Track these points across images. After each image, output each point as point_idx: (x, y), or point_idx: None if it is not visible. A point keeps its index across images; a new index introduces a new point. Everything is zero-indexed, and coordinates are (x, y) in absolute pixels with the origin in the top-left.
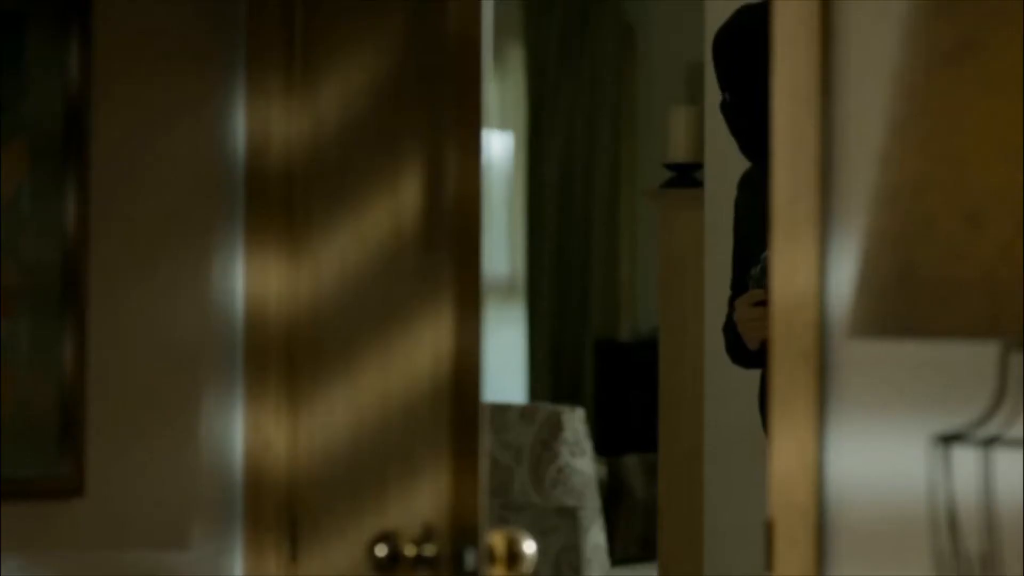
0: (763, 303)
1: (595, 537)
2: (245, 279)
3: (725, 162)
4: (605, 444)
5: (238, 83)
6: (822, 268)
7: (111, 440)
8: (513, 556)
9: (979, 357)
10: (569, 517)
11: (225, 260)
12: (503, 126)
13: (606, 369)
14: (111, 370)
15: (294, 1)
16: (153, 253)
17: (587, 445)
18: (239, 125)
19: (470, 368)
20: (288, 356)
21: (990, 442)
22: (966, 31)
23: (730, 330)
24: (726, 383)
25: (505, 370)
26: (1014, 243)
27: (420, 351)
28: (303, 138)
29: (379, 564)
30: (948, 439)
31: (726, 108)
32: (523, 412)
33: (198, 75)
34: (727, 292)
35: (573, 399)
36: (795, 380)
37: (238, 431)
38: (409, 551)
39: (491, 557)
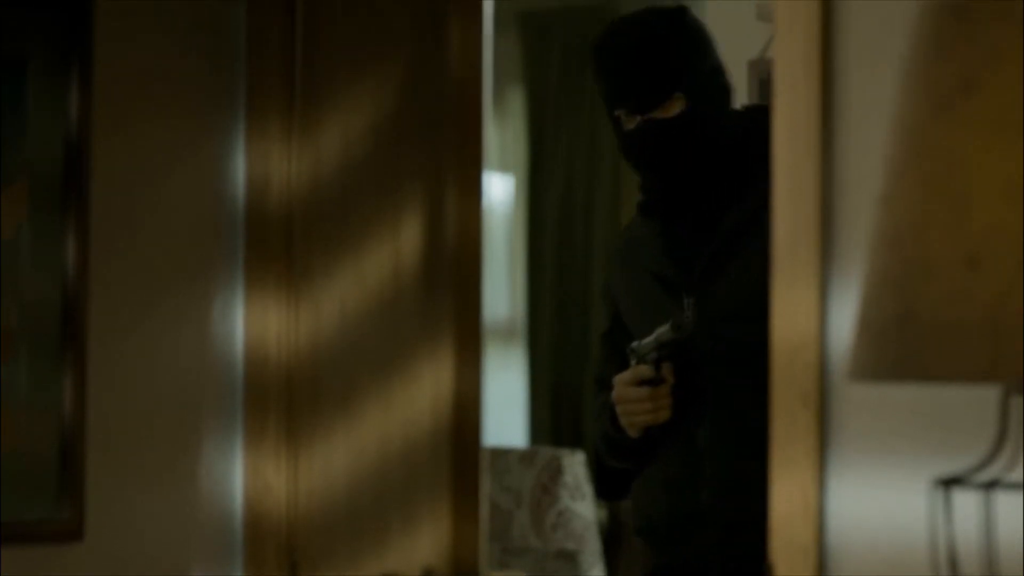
0: (650, 382)
1: None
2: (245, 321)
3: None
4: None
5: (238, 126)
6: (822, 310)
7: (111, 483)
8: None
9: (980, 400)
10: (569, 561)
11: (225, 302)
12: (503, 168)
13: None
14: (111, 413)
15: (294, 44)
16: (153, 295)
17: (587, 489)
18: (239, 167)
19: (470, 411)
20: (288, 398)
21: (991, 485)
22: (965, 72)
23: (602, 414)
24: None
25: (505, 413)
26: (1014, 286)
27: (420, 394)
28: (303, 180)
29: None
30: (949, 482)
31: (633, 135)
32: (523, 455)
33: (198, 118)
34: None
35: (574, 442)
36: (795, 422)
37: (238, 474)
38: None
39: None
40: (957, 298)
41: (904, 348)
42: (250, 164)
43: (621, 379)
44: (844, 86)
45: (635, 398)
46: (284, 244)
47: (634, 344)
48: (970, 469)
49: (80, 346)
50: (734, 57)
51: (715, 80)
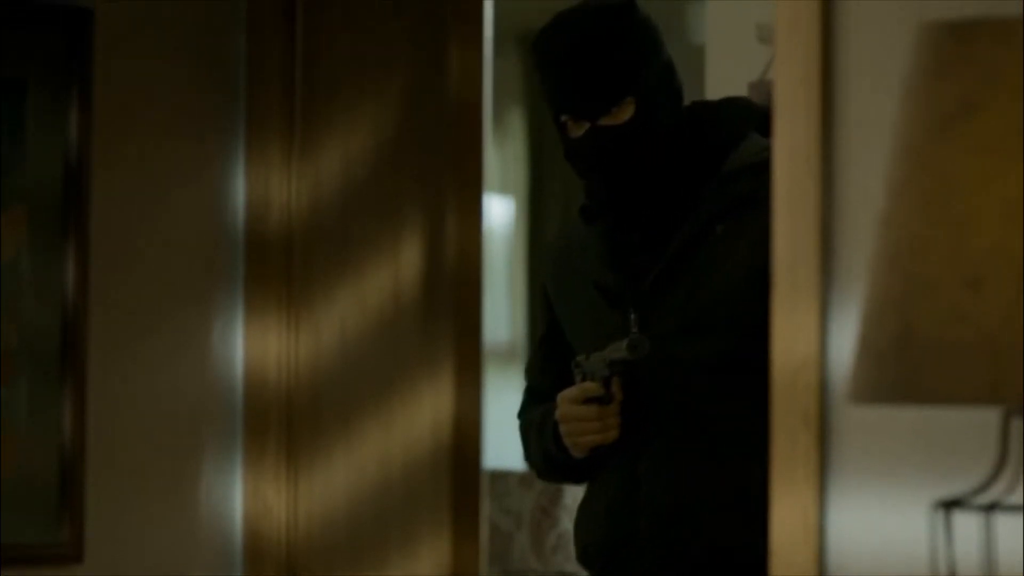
0: (597, 400)
1: None
2: (245, 343)
3: None
4: None
5: (238, 148)
6: (823, 330)
7: (110, 506)
8: None
9: (980, 422)
10: None
11: (225, 324)
12: (503, 190)
13: None
14: (110, 435)
15: (294, 67)
16: (152, 318)
17: None
18: (239, 191)
19: (470, 433)
20: (288, 421)
21: (991, 508)
22: (966, 93)
23: (544, 430)
24: None
25: (505, 435)
26: (1015, 308)
27: (420, 416)
28: (303, 203)
29: None
30: (949, 504)
31: (580, 143)
32: (523, 478)
33: (198, 141)
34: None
35: None
36: (795, 443)
37: (238, 495)
38: None
39: None
40: (957, 320)
41: (904, 370)
42: (250, 187)
43: (567, 396)
44: (844, 108)
45: (582, 417)
46: (284, 266)
47: (579, 359)
48: (971, 491)
49: (80, 369)
50: (734, 79)
51: (667, 81)
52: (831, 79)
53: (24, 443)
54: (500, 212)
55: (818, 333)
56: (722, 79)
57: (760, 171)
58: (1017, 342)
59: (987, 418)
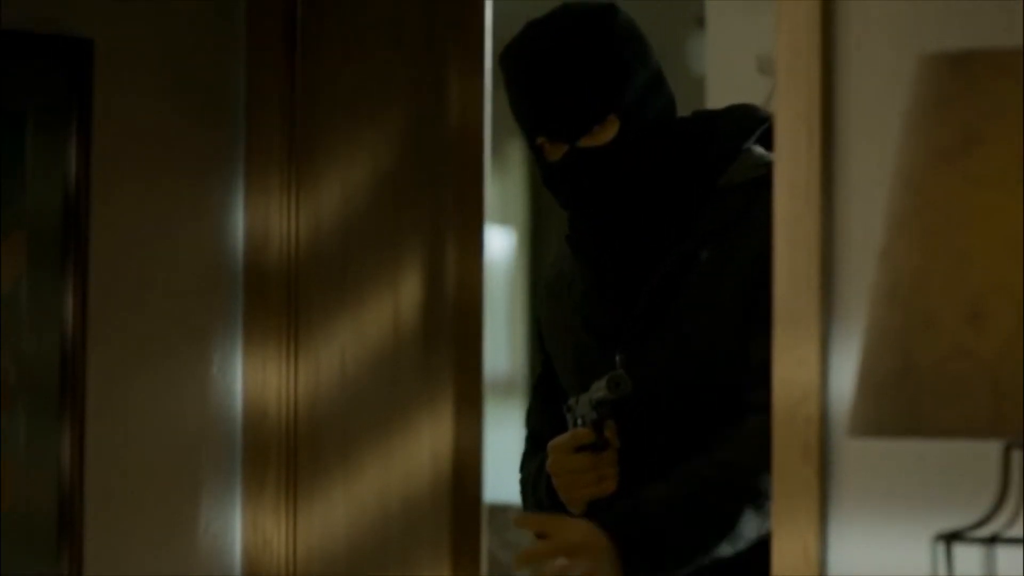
0: (591, 447)
1: None
2: (244, 376)
3: None
4: None
5: (238, 180)
6: (823, 364)
7: (109, 539)
8: None
9: (981, 455)
10: None
11: (224, 357)
12: (504, 221)
13: None
14: (109, 467)
15: (294, 98)
16: (151, 350)
17: None
18: (238, 222)
19: (470, 466)
20: (287, 453)
21: (992, 540)
22: (966, 126)
23: (538, 484)
24: None
25: (505, 469)
26: (1015, 341)
27: (419, 449)
28: (302, 235)
29: None
30: (950, 537)
31: (559, 167)
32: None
33: (197, 172)
34: None
35: None
36: (796, 476)
37: (237, 528)
38: None
39: None
40: (957, 353)
41: (904, 403)
42: (249, 218)
43: (557, 445)
44: (845, 140)
45: (575, 468)
46: (284, 299)
47: (571, 401)
48: (972, 524)
49: (79, 400)
50: None
51: (654, 94)
52: (832, 111)
53: (23, 475)
54: (500, 243)
55: (818, 366)
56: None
57: (752, 189)
58: (1017, 375)
59: (988, 451)
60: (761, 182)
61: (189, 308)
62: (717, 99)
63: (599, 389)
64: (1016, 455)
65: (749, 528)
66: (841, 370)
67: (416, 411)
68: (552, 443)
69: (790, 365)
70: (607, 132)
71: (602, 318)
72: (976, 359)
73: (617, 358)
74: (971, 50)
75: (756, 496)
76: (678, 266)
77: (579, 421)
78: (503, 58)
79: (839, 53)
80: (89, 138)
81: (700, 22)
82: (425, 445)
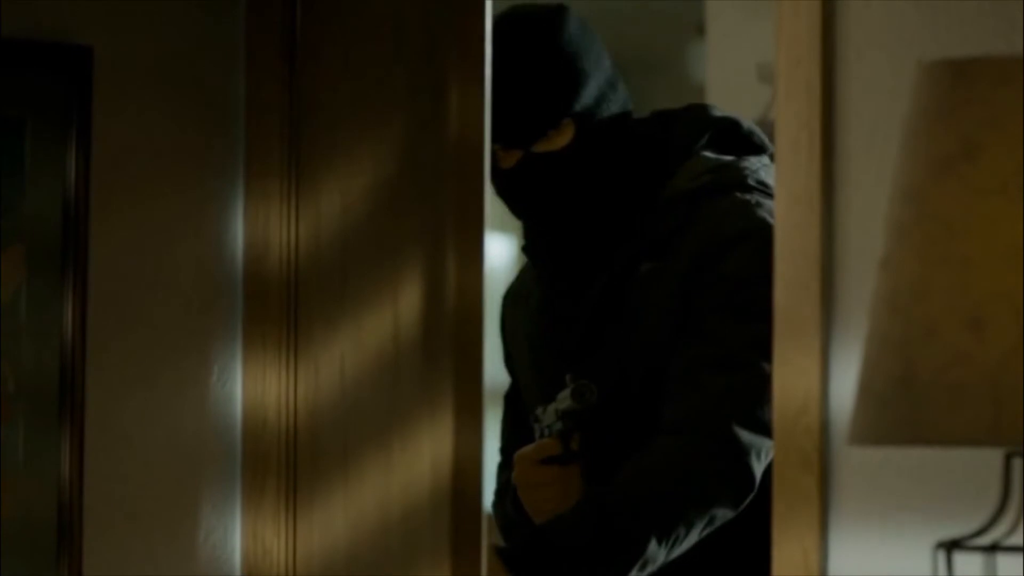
0: (557, 459)
1: None
2: (244, 385)
3: None
4: None
5: (238, 189)
6: (824, 373)
7: (109, 548)
8: None
9: (982, 463)
10: None
11: (224, 365)
12: (503, 229)
13: None
14: (109, 477)
15: (293, 109)
16: (151, 359)
17: None
18: (238, 231)
19: (470, 476)
20: (287, 462)
21: (993, 549)
22: (966, 135)
23: (504, 496)
24: None
25: None
26: (1016, 349)
27: (420, 458)
28: (303, 244)
29: None
30: (951, 545)
31: (513, 174)
32: None
33: (197, 181)
34: None
35: None
36: (797, 486)
37: (237, 538)
38: None
39: None
40: (958, 361)
41: (905, 411)
42: (249, 227)
43: (523, 456)
44: (845, 148)
45: (541, 481)
46: (284, 307)
47: (538, 411)
48: (972, 532)
49: (78, 411)
50: None
51: (609, 97)
52: (832, 119)
53: (22, 485)
54: (500, 251)
55: (819, 375)
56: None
57: (694, 199)
58: (1018, 383)
59: (988, 459)
60: (704, 191)
61: (189, 317)
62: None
63: (564, 399)
64: (1017, 463)
65: (657, 555)
66: (841, 379)
67: (416, 420)
68: (518, 454)
69: (791, 374)
70: (562, 137)
71: (554, 329)
72: (977, 367)
73: (567, 376)
74: (972, 58)
75: (662, 524)
76: (619, 278)
77: (545, 432)
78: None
79: (839, 61)
80: (89, 146)
81: (700, 30)
82: (425, 454)
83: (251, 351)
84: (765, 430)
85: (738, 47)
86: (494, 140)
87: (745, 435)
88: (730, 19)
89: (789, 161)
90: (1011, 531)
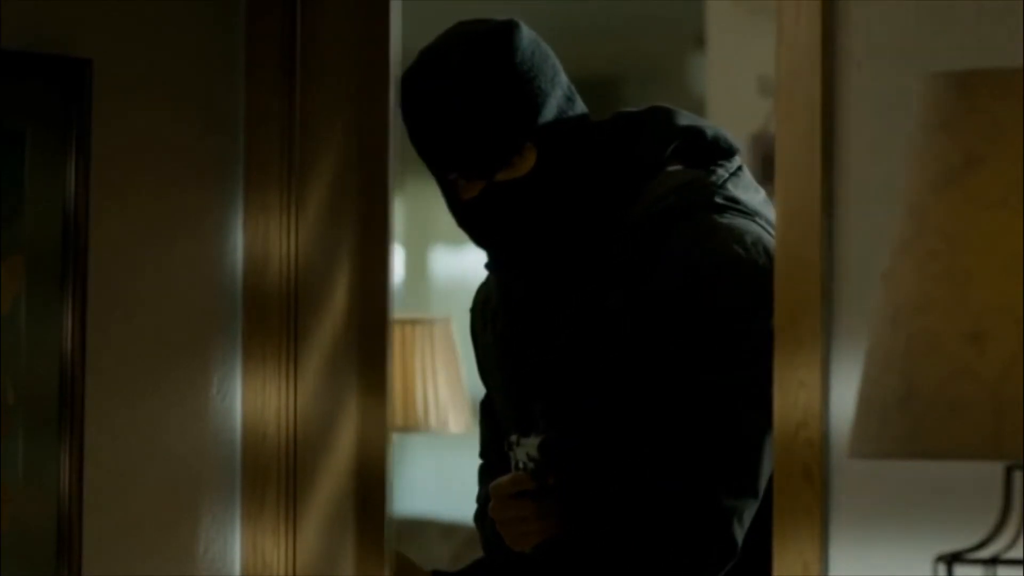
0: (531, 494)
1: None
2: (244, 397)
3: None
4: None
5: (237, 199)
6: (825, 385)
7: (108, 561)
8: None
9: (982, 477)
10: None
11: (224, 377)
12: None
13: None
14: (109, 490)
15: (293, 117)
16: (151, 370)
17: None
18: (238, 241)
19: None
20: (287, 475)
21: (993, 562)
22: (967, 147)
23: (485, 521)
24: None
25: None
26: (1016, 363)
27: None
28: (302, 255)
29: None
30: (951, 559)
31: (476, 205)
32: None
33: (197, 191)
34: None
35: None
36: (797, 499)
37: (236, 550)
38: None
39: None
40: (959, 375)
41: (906, 425)
42: (249, 238)
43: (498, 489)
44: (846, 160)
45: (517, 516)
46: (283, 319)
47: (512, 438)
48: (973, 546)
49: (78, 422)
50: (735, 130)
51: (568, 113)
52: (833, 132)
53: (21, 498)
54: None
55: (820, 388)
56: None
57: (661, 222)
58: (1019, 397)
59: (989, 472)
60: (671, 213)
61: (189, 328)
62: (717, 119)
63: (532, 446)
64: (1017, 476)
65: None
66: (842, 391)
67: None
68: (492, 486)
69: (791, 387)
70: (525, 163)
71: (522, 358)
72: (978, 380)
73: (535, 406)
74: (972, 70)
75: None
76: (587, 308)
77: (519, 466)
78: (404, 93)
79: (840, 73)
80: (88, 158)
81: (700, 41)
82: None
83: (251, 363)
84: (750, 490)
85: (738, 59)
86: (454, 169)
87: (729, 501)
88: (730, 31)
89: (789, 174)
90: (1012, 544)
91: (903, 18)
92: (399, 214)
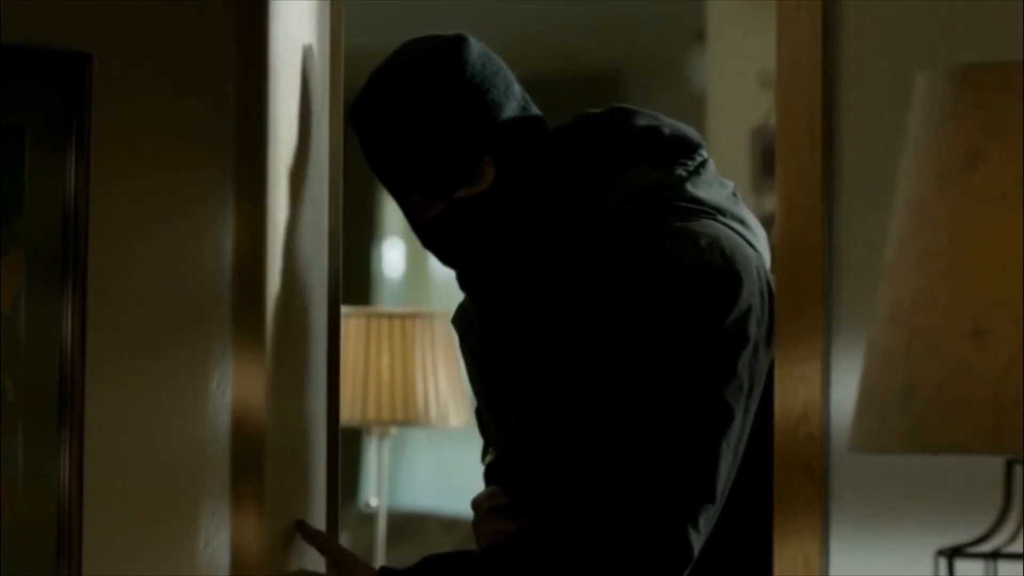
0: (506, 509)
1: None
2: (243, 393)
3: None
4: None
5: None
6: (825, 379)
7: (108, 557)
8: None
9: (983, 471)
10: None
11: (224, 373)
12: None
13: None
14: (109, 485)
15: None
16: (151, 366)
17: None
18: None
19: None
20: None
21: (994, 556)
22: (968, 143)
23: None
24: None
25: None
26: (1017, 359)
27: None
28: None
29: None
30: (952, 553)
31: (439, 224)
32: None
33: (197, 188)
34: None
35: None
36: (797, 493)
37: None
38: None
39: None
40: (960, 371)
41: (906, 420)
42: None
43: (479, 504)
44: (846, 156)
45: (497, 531)
46: (268, 314)
47: (489, 455)
48: (973, 540)
49: (78, 418)
50: (735, 125)
51: (524, 123)
52: (833, 127)
53: (21, 494)
54: None
55: (820, 383)
56: (723, 125)
57: (622, 230)
58: (1019, 392)
59: (989, 467)
60: (631, 221)
61: (189, 324)
62: (718, 114)
63: (489, 461)
64: (1018, 471)
65: None
66: (843, 386)
67: None
68: (473, 501)
69: (792, 381)
70: (485, 178)
71: (494, 371)
72: (978, 376)
73: (512, 414)
74: (973, 64)
75: None
76: (554, 322)
77: (492, 475)
78: (353, 115)
79: (840, 68)
80: (88, 154)
81: (701, 37)
82: None
83: (240, 355)
84: (707, 494)
85: (739, 54)
86: (414, 190)
87: (683, 506)
88: (731, 26)
89: (790, 168)
90: (1012, 538)
91: (903, 13)
92: (399, 210)
